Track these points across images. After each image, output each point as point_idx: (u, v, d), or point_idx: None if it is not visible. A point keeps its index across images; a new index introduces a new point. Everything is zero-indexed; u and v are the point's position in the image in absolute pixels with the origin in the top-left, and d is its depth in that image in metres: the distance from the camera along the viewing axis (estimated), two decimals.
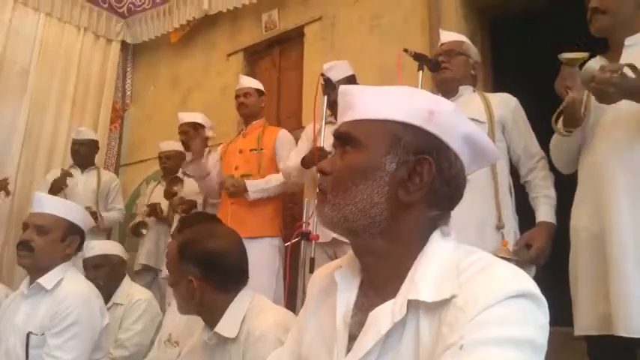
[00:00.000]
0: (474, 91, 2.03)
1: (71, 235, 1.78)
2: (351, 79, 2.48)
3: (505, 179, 1.84)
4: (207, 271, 1.25)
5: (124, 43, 4.49)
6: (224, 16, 4.03)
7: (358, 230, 0.72)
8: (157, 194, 3.45)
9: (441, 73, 1.98)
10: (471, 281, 0.64)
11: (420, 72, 1.90)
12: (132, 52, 4.61)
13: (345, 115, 0.77)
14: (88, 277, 2.21)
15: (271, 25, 3.81)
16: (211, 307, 1.26)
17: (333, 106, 2.37)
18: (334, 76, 2.41)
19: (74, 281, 1.71)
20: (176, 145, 3.48)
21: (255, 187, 2.50)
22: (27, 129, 3.79)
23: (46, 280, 1.68)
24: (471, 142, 0.75)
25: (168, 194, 3.02)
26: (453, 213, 0.77)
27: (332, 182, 0.75)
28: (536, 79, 2.32)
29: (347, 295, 0.75)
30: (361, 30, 3.32)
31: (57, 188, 3.17)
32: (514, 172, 1.92)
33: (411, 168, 0.71)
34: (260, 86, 2.86)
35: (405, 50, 1.90)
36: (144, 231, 3.24)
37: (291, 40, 3.77)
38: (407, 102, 0.74)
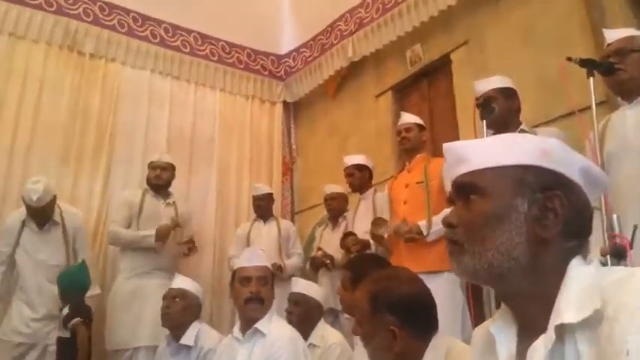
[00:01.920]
0: None
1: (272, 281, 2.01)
2: (506, 92, 2.33)
3: None
4: (405, 319, 1.22)
5: (285, 103, 5.01)
6: (369, 60, 4.24)
7: (503, 274, 0.73)
8: (326, 237, 3.67)
9: (615, 75, 1.80)
10: (617, 291, 0.65)
11: (591, 78, 1.75)
12: (293, 110, 5.10)
13: (460, 168, 0.80)
14: (287, 309, 2.47)
15: (416, 59, 3.89)
16: (409, 357, 1.22)
17: (490, 126, 2.31)
18: (484, 88, 2.34)
19: (281, 325, 1.93)
20: (338, 188, 3.71)
21: (425, 226, 2.48)
22: (217, 190, 4.38)
23: (262, 325, 1.90)
24: (586, 173, 0.77)
25: (344, 246, 3.20)
26: None
27: (466, 232, 0.77)
28: None
29: (506, 345, 0.76)
30: (512, 45, 3.19)
31: None
32: None
33: (542, 205, 0.73)
34: (420, 121, 2.91)
35: (569, 59, 1.77)
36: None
37: (437, 70, 3.79)
38: (517, 146, 0.77)
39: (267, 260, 2.02)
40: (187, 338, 2.48)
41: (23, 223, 3.07)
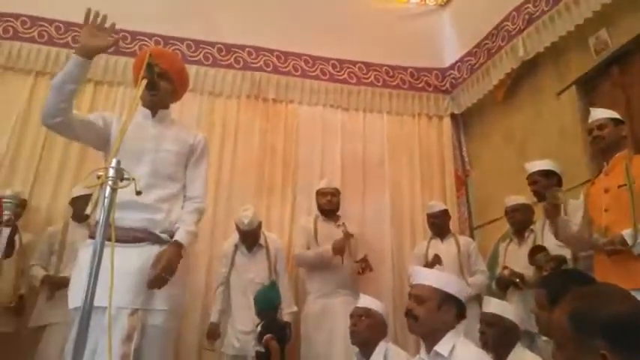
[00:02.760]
0: None
1: (446, 304, 1.95)
2: None
3: None
4: (618, 343, 1.05)
5: (452, 115, 4.89)
6: (544, 56, 3.89)
7: None
8: (511, 253, 3.40)
9: None
10: None
11: None
12: (462, 121, 4.94)
13: None
14: (480, 330, 2.40)
15: (602, 46, 3.43)
16: None
17: None
18: None
19: (466, 347, 1.85)
20: (521, 198, 3.43)
21: (631, 235, 2.13)
22: (391, 209, 4.46)
23: (441, 346, 1.87)
24: None
25: (534, 262, 2.93)
26: None
27: None
28: None
29: None
30: None
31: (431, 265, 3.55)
32: None
33: None
34: (615, 115, 2.53)
35: None
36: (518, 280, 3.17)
37: (631, 54, 3.28)
38: None
39: (436, 281, 1.97)
40: (376, 357, 2.55)
41: (236, 248, 3.59)
